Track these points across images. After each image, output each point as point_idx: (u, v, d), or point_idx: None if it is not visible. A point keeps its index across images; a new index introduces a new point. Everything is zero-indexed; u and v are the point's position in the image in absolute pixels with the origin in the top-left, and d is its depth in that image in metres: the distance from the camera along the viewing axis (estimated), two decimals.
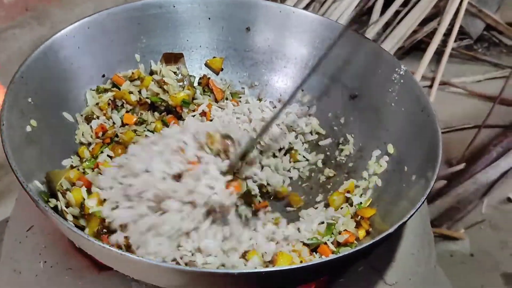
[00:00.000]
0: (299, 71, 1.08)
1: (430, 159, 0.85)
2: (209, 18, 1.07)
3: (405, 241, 0.96)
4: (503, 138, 1.67)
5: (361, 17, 1.87)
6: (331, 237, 0.91)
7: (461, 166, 1.62)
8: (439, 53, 1.84)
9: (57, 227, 0.83)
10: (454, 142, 1.73)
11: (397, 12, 1.86)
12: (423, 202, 0.82)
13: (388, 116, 1.00)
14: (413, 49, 1.92)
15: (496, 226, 1.56)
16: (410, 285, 0.95)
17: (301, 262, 0.87)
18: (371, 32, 1.83)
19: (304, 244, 0.91)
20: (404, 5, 1.85)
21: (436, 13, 1.88)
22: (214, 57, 1.09)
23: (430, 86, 1.83)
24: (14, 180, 0.76)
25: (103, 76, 1.02)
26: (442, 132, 1.79)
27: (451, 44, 1.81)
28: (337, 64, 1.04)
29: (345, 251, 0.86)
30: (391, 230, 0.77)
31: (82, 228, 0.85)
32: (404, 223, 0.78)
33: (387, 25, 1.86)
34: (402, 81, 0.97)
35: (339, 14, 1.78)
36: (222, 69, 1.10)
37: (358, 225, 0.92)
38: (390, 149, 0.97)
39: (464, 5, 1.81)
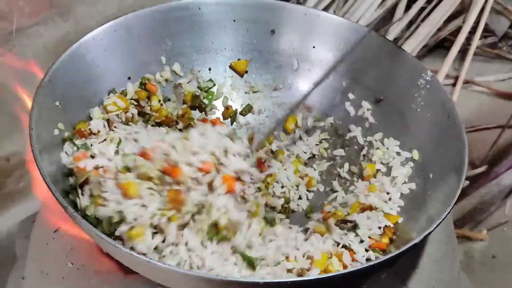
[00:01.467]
0: (323, 75, 1.09)
1: (457, 168, 0.86)
2: (234, 21, 1.08)
3: (429, 247, 0.96)
4: None
5: (384, 16, 1.85)
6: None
7: (483, 168, 1.60)
8: (463, 51, 1.82)
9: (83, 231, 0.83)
10: (477, 142, 1.71)
11: (421, 9, 1.84)
12: (449, 212, 0.80)
13: (414, 121, 1.00)
14: (437, 47, 1.89)
15: None
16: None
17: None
18: (395, 30, 1.82)
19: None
20: (428, 2, 1.83)
21: (461, 11, 1.86)
22: (239, 59, 1.10)
23: (454, 85, 1.81)
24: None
25: (129, 78, 1.02)
26: (467, 131, 1.79)
27: (475, 42, 1.79)
28: (362, 67, 1.06)
29: (372, 260, 0.87)
30: (417, 240, 0.78)
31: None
32: (430, 233, 0.78)
33: (411, 23, 1.84)
34: (428, 86, 0.98)
35: (361, 13, 1.77)
36: (246, 72, 1.10)
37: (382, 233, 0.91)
38: (416, 155, 0.97)
39: (490, 2, 1.79)
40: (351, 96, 1.07)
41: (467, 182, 1.57)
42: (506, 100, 1.80)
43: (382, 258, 0.80)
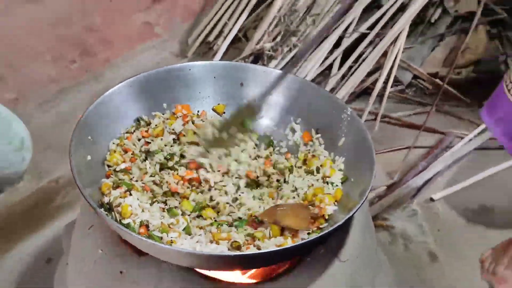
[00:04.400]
0: (277, 113, 1.09)
1: (368, 173, 0.88)
2: (214, 77, 1.08)
3: (353, 230, 0.95)
4: (427, 155, 1.70)
5: (324, 71, 1.88)
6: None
7: (396, 177, 1.63)
8: (380, 96, 1.86)
9: (108, 225, 0.84)
10: (392, 159, 1.73)
11: (350, 67, 1.88)
12: (364, 200, 0.82)
13: (341, 143, 1.01)
14: (362, 93, 1.92)
15: (423, 219, 1.56)
16: (358, 261, 0.94)
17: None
18: (332, 81, 1.85)
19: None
20: (355, 62, 1.87)
21: (378, 67, 1.90)
22: (218, 104, 1.10)
23: (375, 119, 1.85)
24: (79, 193, 0.78)
25: (138, 119, 1.04)
26: (384, 152, 1.81)
27: (388, 89, 1.82)
28: (305, 108, 1.07)
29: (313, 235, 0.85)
30: (341, 222, 0.78)
31: None
32: (350, 217, 0.80)
33: (343, 76, 1.88)
34: (349, 119, 0.99)
35: (308, 70, 1.80)
36: (224, 112, 1.10)
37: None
38: (341, 166, 0.99)
39: (397, 61, 1.83)
40: (297, 127, 1.08)
41: (385, 187, 1.59)
42: (411, 129, 1.82)
43: (318, 234, 0.81)
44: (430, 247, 1.46)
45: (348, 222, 0.88)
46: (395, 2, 1.85)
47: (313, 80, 1.78)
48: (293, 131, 1.08)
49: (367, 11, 1.88)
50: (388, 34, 1.80)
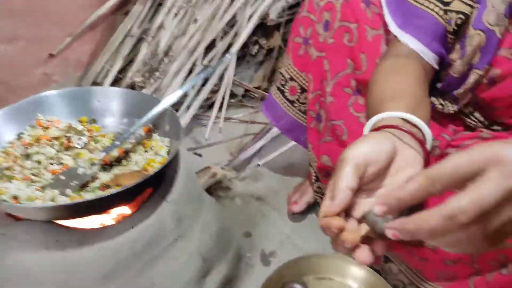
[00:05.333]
0: (125, 117, 1.13)
1: (175, 138, 0.96)
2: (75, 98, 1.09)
3: (179, 180, 0.96)
4: (255, 138, 1.83)
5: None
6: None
7: (236, 155, 1.74)
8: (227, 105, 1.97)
9: None
10: (235, 144, 1.81)
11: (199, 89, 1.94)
12: (172, 157, 0.87)
13: (167, 130, 1.05)
14: (211, 106, 1.97)
15: (252, 179, 1.65)
16: (182, 200, 0.94)
17: None
18: (188, 99, 1.91)
19: None
20: (203, 85, 1.91)
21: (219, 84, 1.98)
22: (83, 117, 1.11)
23: (224, 120, 1.93)
24: None
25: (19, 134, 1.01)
26: (229, 141, 1.86)
27: (226, 100, 1.90)
28: (142, 111, 1.04)
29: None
30: (152, 173, 0.82)
31: None
32: (165, 167, 0.86)
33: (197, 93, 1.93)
34: (170, 113, 1.05)
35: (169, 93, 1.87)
36: (87, 122, 1.10)
37: None
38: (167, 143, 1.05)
39: (230, 82, 1.92)
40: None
41: (227, 162, 1.69)
42: (247, 123, 1.95)
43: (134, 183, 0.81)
44: (257, 196, 1.58)
45: (162, 172, 0.90)
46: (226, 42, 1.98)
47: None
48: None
49: (209, 48, 1.98)
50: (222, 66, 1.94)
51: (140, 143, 1.11)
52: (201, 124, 1.97)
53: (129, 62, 2.03)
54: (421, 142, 0.57)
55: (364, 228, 0.50)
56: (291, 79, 1.15)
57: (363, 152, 0.52)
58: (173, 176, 0.99)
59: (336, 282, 1.16)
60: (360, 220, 0.52)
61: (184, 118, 1.88)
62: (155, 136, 1.08)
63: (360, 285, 1.14)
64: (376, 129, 0.58)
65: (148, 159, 1.00)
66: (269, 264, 1.29)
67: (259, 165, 1.72)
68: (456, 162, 0.43)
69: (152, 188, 0.94)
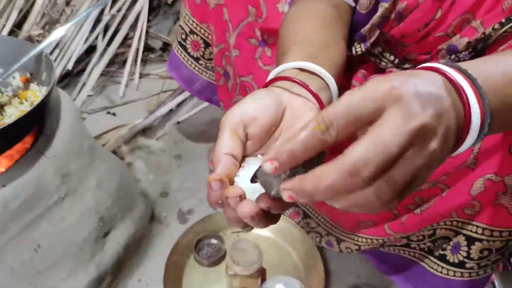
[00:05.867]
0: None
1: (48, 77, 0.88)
2: None
3: (60, 134, 0.90)
4: (172, 94, 1.74)
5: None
6: None
7: (152, 111, 1.65)
8: (144, 61, 1.85)
9: None
10: (154, 102, 1.72)
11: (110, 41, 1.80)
12: (40, 102, 0.82)
13: (44, 79, 0.98)
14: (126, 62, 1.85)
15: (171, 136, 1.57)
16: (69, 154, 0.91)
17: None
18: (97, 54, 1.78)
19: None
20: (110, 38, 1.78)
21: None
22: None
23: (141, 77, 1.84)
24: None
25: None
26: (147, 98, 1.78)
27: (140, 54, 1.80)
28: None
29: None
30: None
31: None
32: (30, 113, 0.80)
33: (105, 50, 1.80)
34: (46, 59, 0.97)
35: (73, 48, 1.71)
36: None
37: None
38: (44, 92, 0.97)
39: (143, 33, 1.81)
40: (15, 75, 1.01)
41: (142, 119, 1.60)
42: (167, 80, 1.83)
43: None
44: (176, 154, 1.52)
45: (27, 120, 0.84)
46: None
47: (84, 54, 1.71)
48: (13, 78, 1.03)
49: None
50: (132, 13, 1.80)
51: (16, 95, 1.00)
52: (116, 81, 1.84)
53: (26, 13, 1.80)
54: (313, 92, 0.53)
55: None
56: (191, 32, 1.04)
57: (239, 112, 0.48)
58: (53, 129, 0.88)
59: (252, 234, 1.16)
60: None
61: (93, 75, 1.73)
62: (33, 86, 1.00)
63: (276, 236, 1.15)
64: (266, 84, 0.55)
65: (22, 111, 0.90)
66: (186, 222, 1.26)
67: (178, 122, 1.65)
68: (349, 101, 0.35)
69: (25, 142, 0.89)
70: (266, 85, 0.55)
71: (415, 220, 0.68)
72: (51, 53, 1.70)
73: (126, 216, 1.06)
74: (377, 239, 0.72)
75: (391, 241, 0.74)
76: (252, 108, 0.48)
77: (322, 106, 0.53)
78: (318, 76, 0.55)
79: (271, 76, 0.56)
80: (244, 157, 0.49)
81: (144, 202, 1.17)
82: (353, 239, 0.77)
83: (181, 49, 1.12)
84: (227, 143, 0.47)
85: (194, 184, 1.37)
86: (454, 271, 0.69)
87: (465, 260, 0.66)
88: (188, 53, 1.10)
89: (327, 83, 0.56)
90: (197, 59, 1.10)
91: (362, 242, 0.75)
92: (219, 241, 1.15)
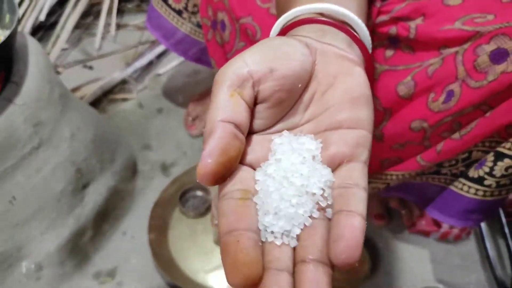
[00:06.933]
0: None
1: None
2: None
3: (28, 82, 0.84)
4: (151, 46, 1.67)
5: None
6: None
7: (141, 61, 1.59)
8: (122, 11, 1.77)
9: None
10: (132, 55, 1.68)
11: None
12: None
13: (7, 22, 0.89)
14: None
15: (152, 90, 1.54)
16: (39, 102, 0.85)
17: None
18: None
19: None
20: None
21: None
22: None
23: (118, 28, 1.75)
24: None
25: None
26: (127, 50, 1.70)
27: (116, 2, 1.71)
28: None
29: None
30: None
31: None
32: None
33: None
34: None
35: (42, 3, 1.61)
36: None
37: None
38: None
39: None
40: None
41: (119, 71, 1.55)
42: (146, 30, 1.76)
43: None
44: (158, 107, 1.49)
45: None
46: None
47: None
48: None
49: None
50: None
51: None
52: (92, 34, 1.75)
53: None
54: (354, 36, 0.40)
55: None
56: None
57: (243, 64, 0.33)
58: (21, 77, 0.83)
59: None
60: None
61: (67, 27, 1.64)
62: None
63: None
64: (281, 32, 0.42)
65: None
66: (169, 175, 1.24)
67: (159, 74, 1.59)
68: None
69: None
70: (283, 34, 0.42)
71: (453, 146, 0.62)
72: (20, 3, 1.60)
73: (107, 169, 1.04)
74: (409, 173, 0.66)
75: (423, 171, 0.67)
76: (265, 56, 0.34)
77: (369, 60, 0.41)
78: (347, 23, 0.41)
79: (280, 22, 0.43)
80: (253, 133, 0.35)
81: (126, 155, 1.15)
82: (381, 178, 0.71)
83: (161, 1, 1.02)
84: (225, 105, 0.32)
85: (176, 138, 1.35)
86: (469, 186, 0.65)
87: (485, 176, 0.62)
88: (169, 5, 1.00)
89: (357, 33, 0.42)
90: (179, 12, 0.98)
91: (392, 179, 0.69)
92: (204, 193, 1.14)
